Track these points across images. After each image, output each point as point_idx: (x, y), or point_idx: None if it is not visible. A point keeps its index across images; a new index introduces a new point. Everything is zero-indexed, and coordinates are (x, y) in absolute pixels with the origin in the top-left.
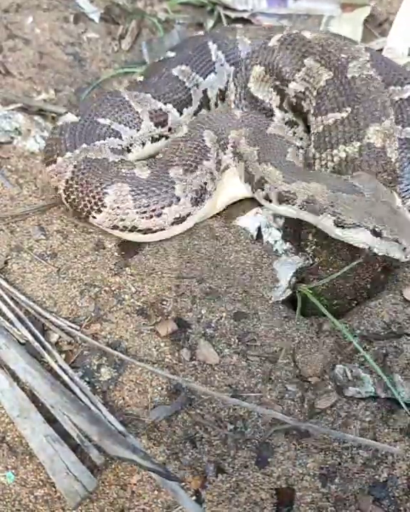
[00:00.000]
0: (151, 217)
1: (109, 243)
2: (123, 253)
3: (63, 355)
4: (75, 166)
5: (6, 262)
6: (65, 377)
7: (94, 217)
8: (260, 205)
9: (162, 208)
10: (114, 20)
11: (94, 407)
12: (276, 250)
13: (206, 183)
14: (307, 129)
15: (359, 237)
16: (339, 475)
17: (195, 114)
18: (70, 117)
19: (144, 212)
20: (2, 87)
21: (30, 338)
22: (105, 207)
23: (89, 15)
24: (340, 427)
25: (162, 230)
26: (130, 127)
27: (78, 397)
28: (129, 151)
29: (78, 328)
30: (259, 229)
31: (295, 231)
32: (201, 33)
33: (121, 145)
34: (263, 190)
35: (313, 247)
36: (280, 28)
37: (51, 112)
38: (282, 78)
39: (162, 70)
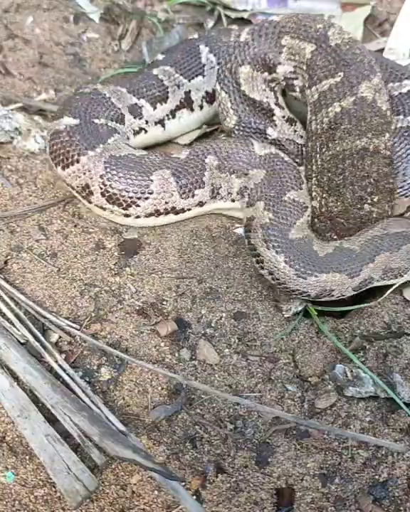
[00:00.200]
0: (188, 197)
1: (109, 243)
2: (123, 253)
3: (63, 355)
4: (105, 162)
5: (6, 262)
6: (66, 377)
7: (138, 206)
8: None
9: (195, 189)
10: (114, 20)
11: (94, 406)
12: None
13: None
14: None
15: None
16: (339, 475)
17: (172, 112)
18: (69, 120)
19: (184, 192)
20: (2, 87)
21: (31, 338)
22: (152, 193)
23: (89, 15)
24: (340, 426)
25: (189, 210)
26: (119, 123)
27: (79, 396)
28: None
29: (78, 328)
30: None
31: None
32: (196, 35)
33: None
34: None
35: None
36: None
37: (51, 112)
38: (269, 66)
39: (145, 69)
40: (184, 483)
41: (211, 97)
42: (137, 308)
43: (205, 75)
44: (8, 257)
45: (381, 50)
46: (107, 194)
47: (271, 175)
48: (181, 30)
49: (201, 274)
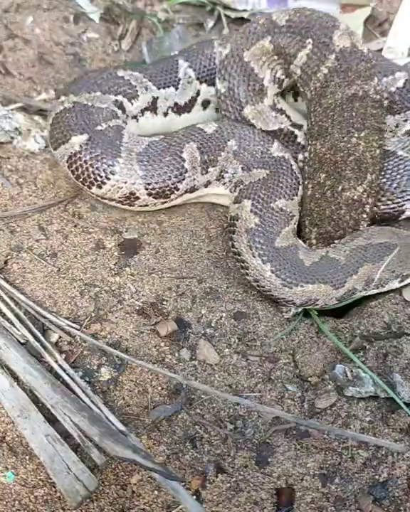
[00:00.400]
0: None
1: (109, 243)
2: (123, 253)
3: (63, 355)
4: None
5: (6, 262)
6: (66, 377)
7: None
8: None
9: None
10: (114, 20)
11: (94, 406)
12: None
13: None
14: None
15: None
16: (339, 475)
17: (142, 111)
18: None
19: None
20: (2, 87)
21: (31, 338)
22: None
23: (89, 15)
24: (340, 426)
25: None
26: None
27: (79, 396)
28: None
29: (78, 328)
30: None
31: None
32: (176, 52)
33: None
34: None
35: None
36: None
37: (51, 111)
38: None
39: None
40: (183, 483)
41: (180, 109)
42: (137, 308)
43: (178, 88)
44: (8, 257)
45: (381, 50)
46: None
47: (271, 177)
48: (181, 30)
49: (201, 274)
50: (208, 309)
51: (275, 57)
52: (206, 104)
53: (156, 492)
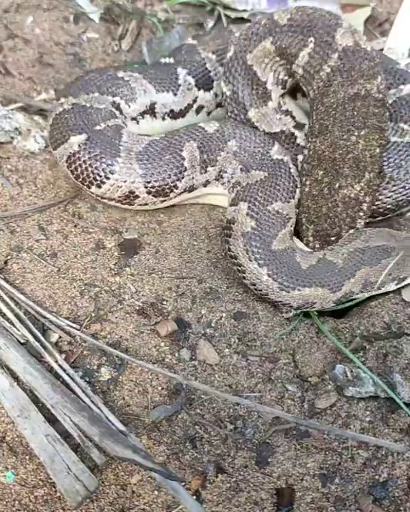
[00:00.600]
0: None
1: (109, 243)
2: (123, 253)
3: (63, 355)
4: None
5: (6, 262)
6: (66, 377)
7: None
8: None
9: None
10: (114, 20)
11: (94, 406)
12: None
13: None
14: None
15: None
16: (339, 475)
17: (141, 114)
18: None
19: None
20: (2, 86)
21: (31, 338)
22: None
23: (89, 15)
24: (340, 426)
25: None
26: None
27: (79, 396)
28: None
29: (78, 328)
30: None
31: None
32: (170, 60)
33: None
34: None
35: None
36: (218, 36)
37: (51, 111)
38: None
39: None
40: (183, 483)
41: (175, 114)
42: (137, 308)
43: (177, 94)
44: (8, 257)
45: (381, 50)
46: None
47: (268, 179)
48: (181, 30)
49: (201, 274)
50: (208, 309)
51: (278, 59)
52: (199, 109)
53: (156, 492)
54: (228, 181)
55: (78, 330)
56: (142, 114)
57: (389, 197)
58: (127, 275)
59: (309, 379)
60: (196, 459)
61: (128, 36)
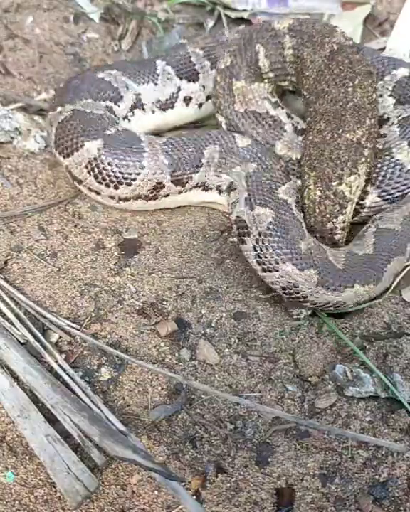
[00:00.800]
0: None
1: (109, 243)
2: (123, 253)
3: (63, 355)
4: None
5: (6, 262)
6: (66, 377)
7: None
8: None
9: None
10: (114, 20)
11: (94, 406)
12: None
13: None
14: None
15: None
16: (339, 475)
17: (131, 109)
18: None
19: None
20: (2, 86)
21: (31, 338)
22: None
23: (89, 15)
24: (340, 426)
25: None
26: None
27: (79, 396)
28: None
29: (78, 328)
30: None
31: None
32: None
33: None
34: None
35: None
36: (210, 36)
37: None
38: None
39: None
40: (183, 483)
41: (162, 105)
42: (137, 308)
43: (157, 83)
44: (8, 257)
45: (382, 50)
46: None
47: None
48: (181, 30)
49: (201, 274)
50: (208, 309)
51: (266, 87)
52: (188, 101)
53: (156, 492)
54: (230, 198)
55: (78, 330)
56: (131, 109)
57: None
58: (127, 275)
59: (309, 379)
60: (196, 459)
61: (128, 36)
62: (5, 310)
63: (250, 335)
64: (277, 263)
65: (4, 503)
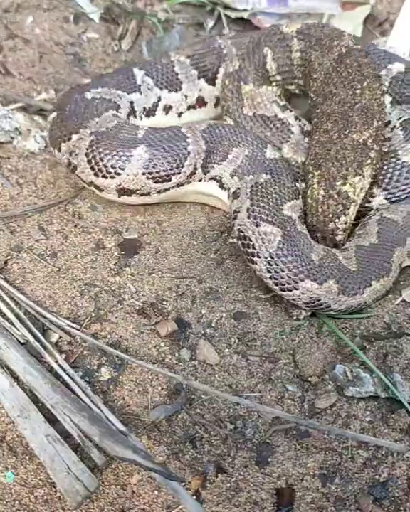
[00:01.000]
0: None
1: (109, 243)
2: (123, 253)
3: (63, 355)
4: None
5: (6, 262)
6: (66, 377)
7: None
8: None
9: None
10: (114, 20)
11: (94, 406)
12: None
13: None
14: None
15: None
16: (339, 475)
17: (127, 116)
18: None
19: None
20: (2, 86)
21: (31, 338)
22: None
23: (89, 15)
24: (340, 426)
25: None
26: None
27: (79, 396)
28: None
29: (78, 328)
30: None
31: None
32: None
33: None
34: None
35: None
36: (199, 42)
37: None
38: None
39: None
40: (183, 483)
41: (148, 112)
42: (137, 308)
43: (142, 92)
44: (8, 257)
45: None
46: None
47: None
48: (181, 30)
49: (201, 274)
50: (208, 309)
51: (274, 90)
52: (167, 109)
53: (156, 492)
54: (229, 189)
55: (78, 330)
56: (127, 116)
57: None
58: (127, 275)
59: (309, 379)
60: (196, 459)
61: (128, 36)
62: (5, 310)
63: (250, 335)
64: (296, 282)
65: (4, 503)
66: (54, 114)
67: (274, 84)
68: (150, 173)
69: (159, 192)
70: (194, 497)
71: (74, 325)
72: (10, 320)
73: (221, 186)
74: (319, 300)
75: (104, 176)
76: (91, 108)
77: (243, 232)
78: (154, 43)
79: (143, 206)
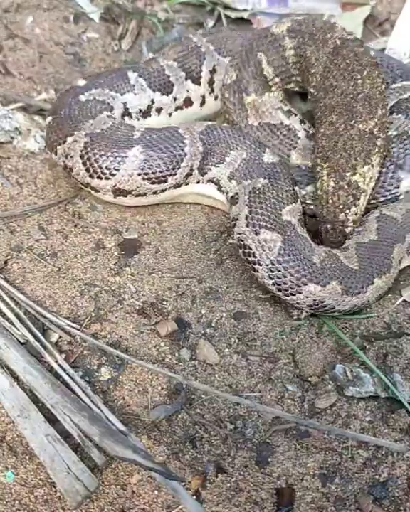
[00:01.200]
0: None
1: (109, 243)
2: (123, 253)
3: (63, 355)
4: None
5: (6, 262)
6: (66, 377)
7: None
8: None
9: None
10: (114, 20)
11: (94, 406)
12: None
13: None
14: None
15: None
16: (339, 475)
17: (122, 117)
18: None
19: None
20: (2, 86)
21: (31, 338)
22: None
23: (89, 15)
24: (340, 426)
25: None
26: None
27: (79, 396)
28: None
29: (78, 328)
30: None
31: None
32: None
33: None
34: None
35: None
36: (178, 44)
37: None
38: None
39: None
40: (183, 483)
41: (144, 113)
42: (137, 308)
43: (136, 93)
44: (8, 257)
45: (382, 50)
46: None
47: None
48: (181, 30)
49: (201, 274)
50: (208, 309)
51: (277, 95)
52: (159, 110)
53: (156, 492)
54: (227, 192)
55: (78, 330)
56: (122, 116)
57: None
58: (127, 275)
59: (309, 379)
60: (196, 458)
61: (128, 36)
62: (5, 310)
63: (250, 335)
64: (299, 286)
65: (4, 503)
66: (50, 119)
67: (274, 88)
68: (146, 173)
69: (155, 193)
70: (194, 497)
71: (74, 325)
72: (10, 320)
73: (220, 189)
74: (323, 302)
75: (99, 177)
76: (85, 110)
77: (242, 240)
78: (154, 43)
79: (143, 206)
